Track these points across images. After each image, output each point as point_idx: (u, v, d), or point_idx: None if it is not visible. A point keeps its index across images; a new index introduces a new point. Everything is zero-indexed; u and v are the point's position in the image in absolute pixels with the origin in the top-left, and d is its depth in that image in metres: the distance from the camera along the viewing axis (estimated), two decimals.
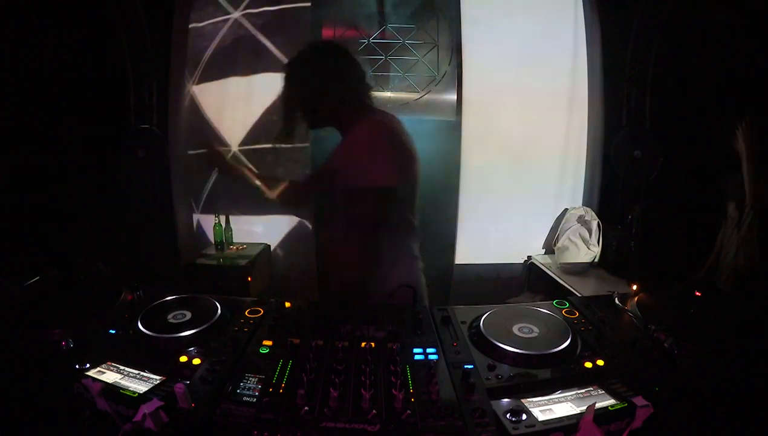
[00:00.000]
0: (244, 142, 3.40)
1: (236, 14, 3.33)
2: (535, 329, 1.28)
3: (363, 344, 1.19)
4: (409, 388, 1.02)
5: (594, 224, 3.19)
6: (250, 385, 1.03)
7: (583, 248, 3.11)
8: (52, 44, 2.98)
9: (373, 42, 3.24)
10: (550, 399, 1.00)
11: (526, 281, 3.57)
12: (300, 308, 1.43)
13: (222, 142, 3.38)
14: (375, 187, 1.55)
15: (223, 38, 3.34)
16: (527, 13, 3.37)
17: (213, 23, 3.34)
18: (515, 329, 1.27)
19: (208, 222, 3.44)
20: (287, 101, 1.74)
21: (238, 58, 3.35)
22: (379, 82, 3.26)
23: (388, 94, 3.29)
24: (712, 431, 1.09)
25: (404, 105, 3.30)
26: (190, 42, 3.36)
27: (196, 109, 3.42)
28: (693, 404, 1.07)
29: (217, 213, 3.30)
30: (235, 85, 3.38)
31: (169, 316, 1.33)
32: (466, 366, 1.10)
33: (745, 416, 1.11)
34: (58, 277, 1.58)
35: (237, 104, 3.39)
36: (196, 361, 1.14)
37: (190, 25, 3.36)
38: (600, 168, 3.63)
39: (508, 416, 0.93)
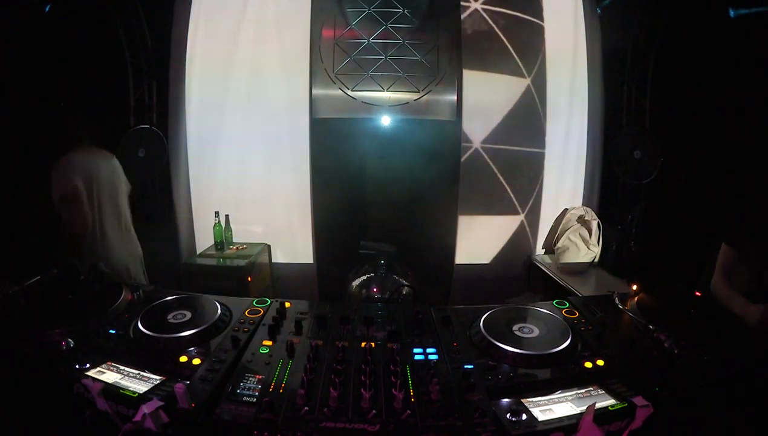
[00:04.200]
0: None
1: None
2: (535, 329, 1.28)
3: (363, 344, 1.19)
4: (409, 388, 1.02)
5: (594, 224, 3.19)
6: (250, 385, 1.03)
7: (583, 248, 3.11)
8: (52, 44, 2.98)
9: (373, 42, 3.24)
10: (550, 399, 1.00)
11: (526, 281, 3.57)
12: (300, 308, 1.43)
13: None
14: None
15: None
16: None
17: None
18: (515, 329, 1.27)
19: None
20: None
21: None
22: (379, 82, 3.25)
23: (388, 94, 3.29)
24: (712, 431, 1.09)
25: (404, 105, 3.30)
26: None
27: None
28: (693, 404, 1.07)
29: (217, 213, 3.30)
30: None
31: (169, 316, 1.33)
32: (466, 366, 1.10)
33: (745, 416, 1.11)
34: (58, 277, 1.58)
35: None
36: (196, 361, 1.14)
37: None
38: (600, 168, 3.63)
39: (508, 416, 0.93)
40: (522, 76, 3.38)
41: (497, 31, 3.30)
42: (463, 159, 3.36)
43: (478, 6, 3.28)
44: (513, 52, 3.33)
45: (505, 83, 3.36)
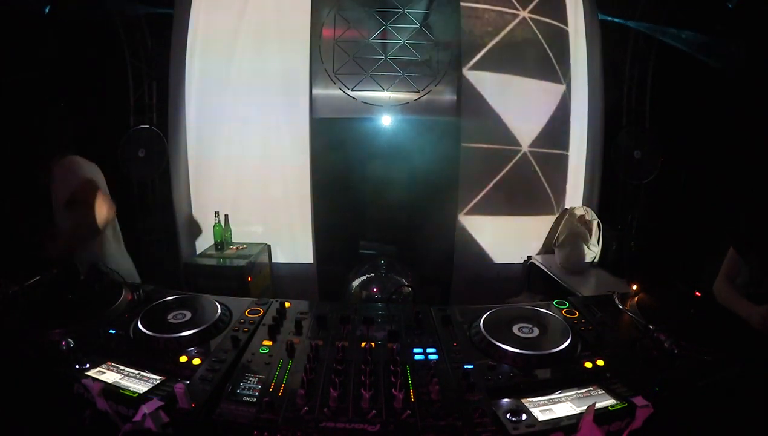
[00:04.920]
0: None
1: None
2: (535, 329, 1.28)
3: (363, 344, 1.19)
4: (409, 388, 1.02)
5: (594, 224, 3.19)
6: (250, 385, 1.03)
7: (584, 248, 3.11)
8: (52, 45, 2.98)
9: (373, 42, 3.24)
10: (550, 399, 1.00)
11: (526, 281, 3.57)
12: (300, 308, 1.43)
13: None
14: None
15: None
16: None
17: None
18: (515, 329, 1.27)
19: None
20: None
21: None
22: (380, 82, 3.25)
23: (388, 94, 3.29)
24: (712, 431, 1.09)
25: (404, 105, 3.30)
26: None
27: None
28: (693, 404, 1.07)
29: (217, 213, 3.30)
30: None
31: (169, 316, 1.33)
32: (466, 366, 1.10)
33: (745, 416, 1.11)
34: (58, 277, 1.58)
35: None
36: (196, 361, 1.14)
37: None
38: (600, 168, 3.63)
39: (508, 416, 0.93)
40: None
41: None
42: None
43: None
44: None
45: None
